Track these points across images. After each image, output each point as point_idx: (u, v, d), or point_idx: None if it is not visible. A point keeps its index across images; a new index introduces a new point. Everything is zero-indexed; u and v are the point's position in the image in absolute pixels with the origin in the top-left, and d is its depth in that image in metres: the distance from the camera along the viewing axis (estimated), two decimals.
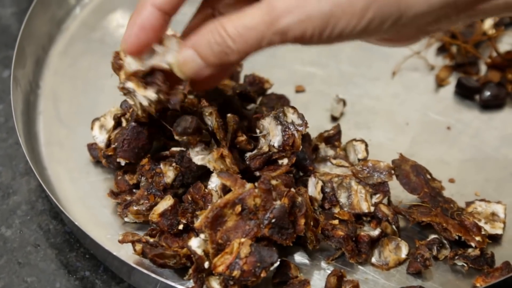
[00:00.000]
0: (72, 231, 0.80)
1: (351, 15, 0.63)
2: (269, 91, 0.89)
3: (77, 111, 0.90)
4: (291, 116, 0.76)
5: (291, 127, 0.76)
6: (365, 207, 0.77)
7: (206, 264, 0.71)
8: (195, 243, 0.71)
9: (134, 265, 0.71)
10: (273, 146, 0.76)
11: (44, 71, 0.94)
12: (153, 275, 0.70)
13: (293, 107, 0.76)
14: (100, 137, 0.81)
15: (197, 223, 0.71)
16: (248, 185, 0.71)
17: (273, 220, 0.70)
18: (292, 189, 0.72)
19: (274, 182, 0.72)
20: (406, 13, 0.63)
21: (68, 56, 0.96)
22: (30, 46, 0.92)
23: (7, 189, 0.84)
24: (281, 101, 0.88)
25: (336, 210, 0.77)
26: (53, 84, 0.93)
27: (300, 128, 0.76)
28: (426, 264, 0.74)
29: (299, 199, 0.71)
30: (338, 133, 0.83)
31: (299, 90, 0.93)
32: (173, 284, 0.69)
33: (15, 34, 0.91)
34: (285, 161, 0.77)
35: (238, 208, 0.70)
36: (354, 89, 0.93)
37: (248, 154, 0.77)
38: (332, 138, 0.82)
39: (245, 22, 0.65)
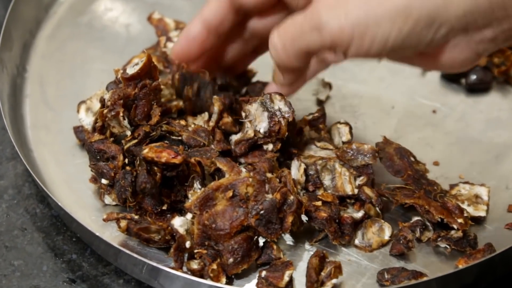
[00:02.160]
0: (58, 215, 0.80)
1: (392, 20, 0.64)
2: (255, 79, 0.89)
3: (63, 95, 0.90)
4: (278, 103, 0.76)
5: (277, 114, 0.76)
6: (349, 189, 0.77)
7: (188, 244, 0.71)
8: (178, 222, 0.72)
9: (121, 248, 0.71)
10: (259, 131, 0.76)
11: (31, 54, 0.94)
12: (140, 257, 0.70)
13: (280, 94, 0.76)
14: (87, 120, 0.82)
15: (188, 203, 0.72)
16: (243, 173, 0.72)
17: (262, 212, 0.70)
18: (286, 187, 0.72)
19: (269, 175, 0.72)
20: (445, 14, 0.63)
21: (55, 40, 0.96)
22: (17, 30, 0.92)
23: None
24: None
25: (320, 192, 0.78)
26: (40, 68, 0.93)
27: (287, 115, 0.76)
28: (408, 246, 0.75)
29: (291, 197, 0.72)
30: (322, 115, 0.83)
31: None
32: (159, 266, 0.70)
33: (1, 20, 0.91)
34: (270, 146, 0.77)
35: (230, 193, 0.71)
36: (340, 73, 0.93)
37: (233, 138, 0.78)
38: (316, 121, 0.82)
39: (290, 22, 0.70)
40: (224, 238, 0.71)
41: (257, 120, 0.76)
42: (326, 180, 0.78)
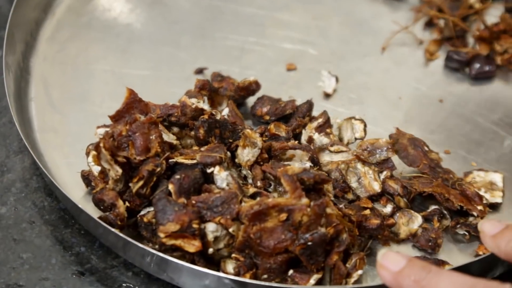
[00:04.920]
0: (66, 208, 0.80)
1: None
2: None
3: (68, 97, 0.89)
4: (306, 164, 0.76)
5: (311, 171, 0.73)
6: (377, 187, 0.77)
7: (210, 250, 0.71)
8: (211, 228, 0.71)
9: (129, 239, 0.70)
10: None
11: (33, 57, 0.93)
12: (148, 248, 0.70)
13: (304, 153, 0.76)
14: (97, 167, 0.75)
15: (239, 208, 0.70)
16: (304, 200, 0.69)
17: (309, 243, 0.68)
18: (342, 225, 0.70)
19: (329, 210, 0.70)
20: None
21: (56, 42, 0.95)
22: (19, 32, 0.91)
23: (2, 167, 0.84)
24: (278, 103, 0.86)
25: (349, 196, 0.77)
26: (43, 70, 0.92)
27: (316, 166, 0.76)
28: (434, 250, 0.75)
29: (344, 235, 0.70)
30: (327, 120, 0.82)
31: (290, 68, 0.93)
32: (167, 257, 0.69)
33: (6, 15, 0.90)
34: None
35: (284, 216, 0.69)
36: (345, 66, 0.93)
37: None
38: (323, 127, 0.81)
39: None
40: (265, 255, 0.70)
41: None
42: (353, 183, 0.77)
